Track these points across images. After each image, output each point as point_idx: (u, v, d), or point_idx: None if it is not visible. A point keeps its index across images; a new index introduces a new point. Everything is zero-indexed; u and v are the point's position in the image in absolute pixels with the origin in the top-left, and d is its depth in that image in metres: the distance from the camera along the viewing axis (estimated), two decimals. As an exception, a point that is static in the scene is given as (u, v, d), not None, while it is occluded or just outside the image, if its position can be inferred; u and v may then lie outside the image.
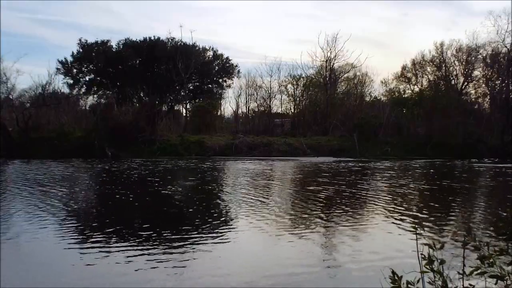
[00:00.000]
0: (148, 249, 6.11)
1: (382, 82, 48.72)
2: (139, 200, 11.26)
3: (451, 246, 6.10)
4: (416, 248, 2.59)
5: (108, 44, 45.55)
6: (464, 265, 2.58)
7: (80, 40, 44.73)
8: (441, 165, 24.84)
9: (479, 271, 2.46)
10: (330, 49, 44.31)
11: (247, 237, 7.10)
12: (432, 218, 8.53)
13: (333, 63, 45.03)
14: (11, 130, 31.41)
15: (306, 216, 8.73)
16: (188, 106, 48.21)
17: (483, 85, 40.56)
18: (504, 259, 2.58)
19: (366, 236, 7.17)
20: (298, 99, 48.00)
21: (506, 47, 37.80)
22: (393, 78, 44.95)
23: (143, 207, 10.26)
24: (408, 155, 31.95)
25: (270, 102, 48.53)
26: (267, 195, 11.66)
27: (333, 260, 5.78)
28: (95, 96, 46.81)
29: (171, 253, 5.95)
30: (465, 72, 40.33)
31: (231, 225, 8.00)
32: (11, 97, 37.18)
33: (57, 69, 44.11)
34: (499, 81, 39.46)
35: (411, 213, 9.13)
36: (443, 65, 40.96)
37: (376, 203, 10.46)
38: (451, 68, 41.11)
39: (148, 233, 7.13)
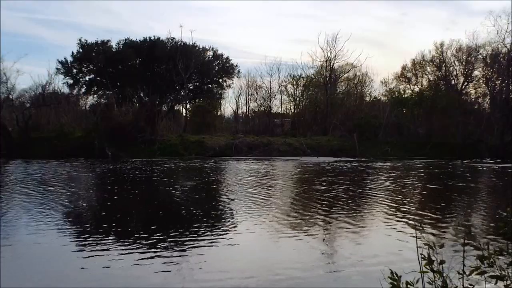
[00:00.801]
0: (149, 249, 6.10)
1: (382, 82, 48.80)
2: (142, 200, 11.25)
3: (451, 246, 6.10)
4: (416, 248, 2.58)
5: (108, 44, 45.61)
6: (464, 265, 2.57)
7: (80, 40, 44.85)
8: (441, 165, 24.82)
9: (479, 271, 2.46)
10: (330, 49, 44.33)
11: (249, 237, 7.08)
12: (432, 218, 8.52)
13: (333, 63, 45.04)
14: (11, 130, 31.44)
15: (308, 215, 8.73)
16: (188, 106, 48.27)
17: (483, 85, 40.55)
18: (504, 259, 2.58)
19: (366, 236, 7.17)
20: (298, 99, 48.05)
21: (506, 47, 37.82)
22: (393, 78, 45.01)
23: (145, 207, 10.25)
24: (408, 155, 31.93)
25: (270, 102, 48.60)
26: (280, 195, 11.64)
27: (334, 260, 5.77)
28: (95, 96, 46.94)
29: (172, 253, 5.94)
30: (465, 72, 40.33)
31: (236, 225, 7.97)
32: (11, 97, 37.22)
33: (57, 69, 44.24)
34: (499, 81, 39.41)
35: (412, 212, 9.12)
36: (443, 65, 40.94)
37: (378, 202, 10.47)
38: (451, 68, 41.12)
39: (149, 233, 7.12)
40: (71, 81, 45.64)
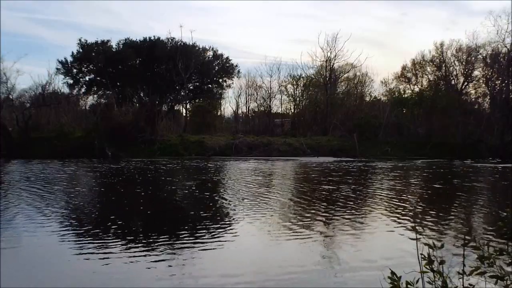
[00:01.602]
0: (149, 249, 6.10)
1: (382, 82, 48.78)
2: (142, 200, 11.24)
3: (451, 246, 6.10)
4: (416, 248, 2.58)
5: (108, 44, 45.60)
6: (464, 265, 2.57)
7: (80, 40, 44.82)
8: (441, 165, 24.82)
9: (479, 271, 2.46)
10: (330, 49, 44.33)
11: (250, 238, 7.08)
12: (432, 217, 8.52)
13: (333, 63, 45.04)
14: (11, 130, 31.43)
15: (310, 214, 8.73)
16: (188, 106, 48.27)
17: (483, 85, 40.54)
18: (504, 259, 2.58)
19: (367, 236, 7.17)
20: (298, 99, 48.07)
21: (506, 47, 37.81)
22: (393, 78, 45.00)
23: (145, 207, 10.24)
24: (408, 155, 31.93)
25: (270, 102, 48.61)
26: (281, 195, 11.64)
27: (334, 260, 5.77)
28: (95, 96, 46.94)
29: (173, 253, 5.94)
30: (465, 72, 40.32)
31: (236, 225, 7.97)
32: (11, 97, 37.20)
33: (57, 69, 44.21)
34: (499, 81, 39.41)
35: (412, 212, 9.12)
36: (443, 65, 40.93)
37: (378, 202, 10.48)
38: (451, 68, 41.10)
39: (150, 233, 7.12)
40: (71, 81, 45.68)
